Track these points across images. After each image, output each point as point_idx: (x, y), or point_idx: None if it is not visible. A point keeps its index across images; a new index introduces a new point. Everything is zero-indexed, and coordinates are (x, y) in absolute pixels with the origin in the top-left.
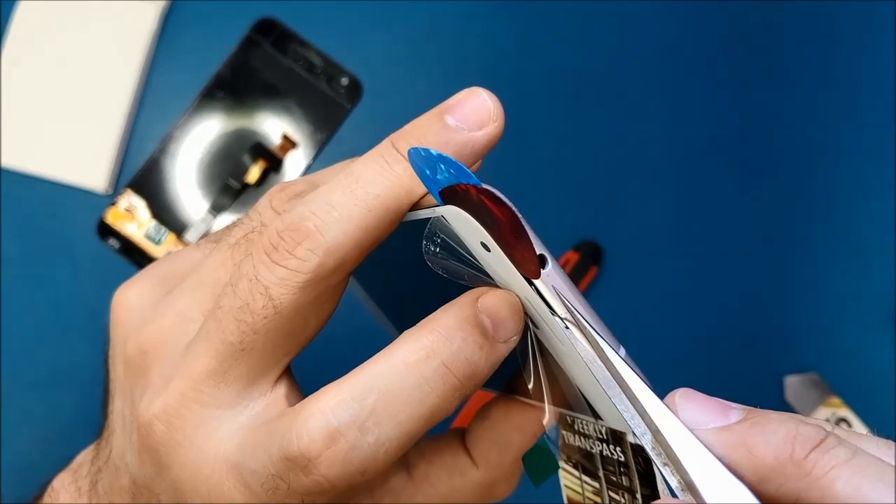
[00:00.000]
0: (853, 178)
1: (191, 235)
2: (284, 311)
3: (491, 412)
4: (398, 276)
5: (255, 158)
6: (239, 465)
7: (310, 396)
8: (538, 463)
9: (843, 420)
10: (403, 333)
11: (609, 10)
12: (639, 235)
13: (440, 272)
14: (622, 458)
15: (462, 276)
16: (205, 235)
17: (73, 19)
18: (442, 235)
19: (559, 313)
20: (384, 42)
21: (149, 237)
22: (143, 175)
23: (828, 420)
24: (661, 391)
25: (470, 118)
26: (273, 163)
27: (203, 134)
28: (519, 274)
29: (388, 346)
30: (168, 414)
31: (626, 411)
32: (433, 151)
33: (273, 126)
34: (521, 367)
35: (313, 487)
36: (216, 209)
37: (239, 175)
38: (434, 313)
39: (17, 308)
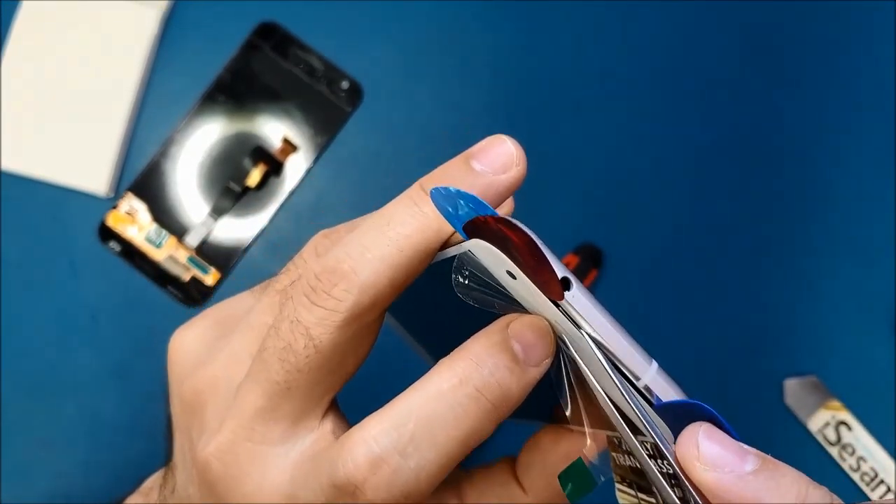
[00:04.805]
0: (853, 182)
1: (191, 239)
2: (324, 350)
3: (540, 441)
4: (434, 312)
5: (255, 162)
6: (292, 496)
7: (354, 427)
8: (574, 480)
9: (843, 423)
10: (438, 363)
11: (609, 14)
12: (639, 238)
13: (472, 303)
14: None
15: (493, 305)
16: (204, 240)
17: (74, 22)
18: (470, 268)
19: (588, 332)
20: (385, 46)
21: (150, 240)
22: (144, 178)
23: (827, 424)
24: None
25: (495, 163)
26: (274, 166)
27: (204, 137)
28: (545, 297)
29: (424, 376)
30: (222, 452)
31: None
32: (452, 189)
33: (274, 130)
34: (557, 395)
35: None
36: (217, 212)
37: (240, 178)
38: (466, 342)
39: (18, 311)
